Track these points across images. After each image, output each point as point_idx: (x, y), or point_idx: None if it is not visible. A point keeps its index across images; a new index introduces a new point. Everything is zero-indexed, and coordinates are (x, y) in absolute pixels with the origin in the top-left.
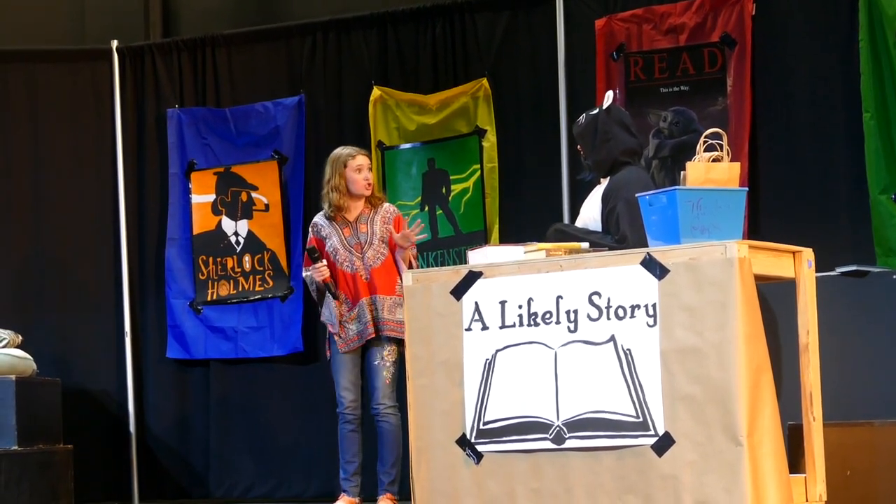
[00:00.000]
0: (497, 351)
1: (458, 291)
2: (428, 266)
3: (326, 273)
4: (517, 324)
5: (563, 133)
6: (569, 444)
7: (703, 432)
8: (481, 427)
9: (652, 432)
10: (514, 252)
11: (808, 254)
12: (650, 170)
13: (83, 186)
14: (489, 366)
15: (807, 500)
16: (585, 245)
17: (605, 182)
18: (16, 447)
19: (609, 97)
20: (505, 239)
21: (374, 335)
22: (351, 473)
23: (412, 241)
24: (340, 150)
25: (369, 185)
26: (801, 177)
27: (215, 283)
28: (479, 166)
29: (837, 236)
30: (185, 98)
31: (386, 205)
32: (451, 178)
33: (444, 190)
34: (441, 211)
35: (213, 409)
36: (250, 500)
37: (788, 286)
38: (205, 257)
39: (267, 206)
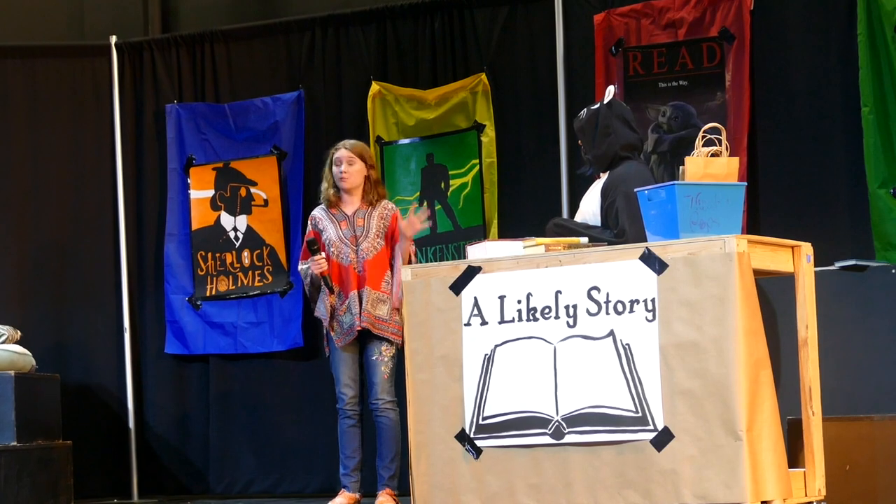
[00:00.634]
0: (496, 346)
1: (458, 286)
2: (427, 261)
3: (324, 266)
4: (516, 319)
5: (561, 128)
6: (568, 438)
7: (703, 427)
8: (481, 422)
9: (651, 427)
10: (513, 247)
11: (806, 248)
12: (649, 164)
13: (82, 182)
14: (488, 361)
15: (806, 495)
16: (584, 240)
17: (604, 177)
18: (15, 443)
19: (610, 92)
20: (504, 234)
21: (360, 327)
22: (351, 469)
23: (417, 228)
24: (334, 147)
25: (343, 177)
26: (800, 171)
27: (214, 279)
28: (477, 161)
29: (836, 231)
30: (183, 93)
31: (385, 201)
32: (450, 173)
33: (442, 185)
34: (440, 206)
35: (213, 405)
36: (250, 495)
37: (787, 281)
38: (203, 253)
39: (266, 201)
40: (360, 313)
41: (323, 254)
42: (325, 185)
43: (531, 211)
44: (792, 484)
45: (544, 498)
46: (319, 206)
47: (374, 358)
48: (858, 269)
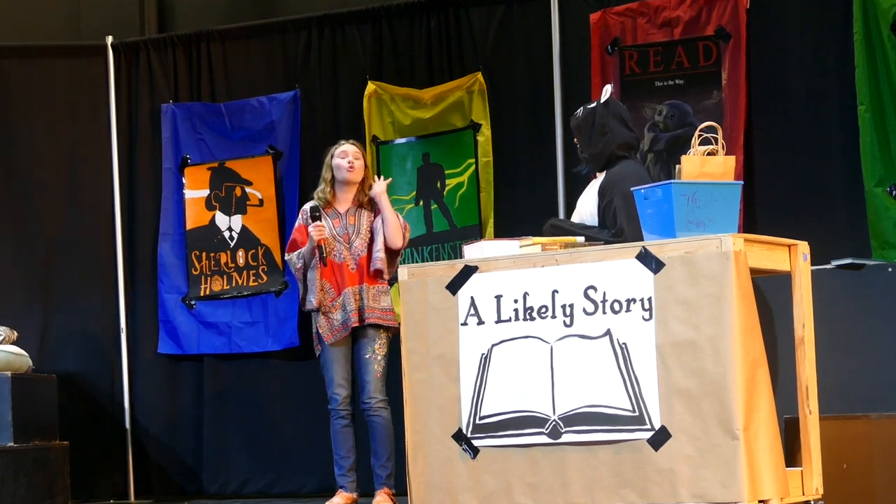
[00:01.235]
0: (493, 345)
1: (454, 286)
2: (423, 260)
3: (325, 232)
4: (513, 318)
5: (558, 127)
6: (565, 438)
7: (700, 426)
8: (477, 422)
9: (648, 426)
10: (510, 246)
11: (803, 247)
12: (646, 163)
13: (78, 183)
14: (485, 360)
15: (803, 494)
16: (581, 239)
17: (601, 176)
18: (12, 444)
19: (607, 91)
20: (500, 233)
21: (357, 324)
22: (347, 469)
23: (380, 188)
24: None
25: (350, 168)
26: (797, 170)
27: (208, 279)
28: (473, 160)
29: (833, 229)
30: (180, 93)
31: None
32: (446, 172)
33: (438, 184)
34: (436, 205)
35: (207, 405)
36: (245, 496)
37: (784, 279)
38: (198, 252)
39: (261, 200)
40: (363, 309)
41: (322, 222)
42: (322, 185)
43: (527, 210)
44: (789, 483)
45: (541, 497)
46: (310, 202)
47: (366, 356)
48: (855, 267)
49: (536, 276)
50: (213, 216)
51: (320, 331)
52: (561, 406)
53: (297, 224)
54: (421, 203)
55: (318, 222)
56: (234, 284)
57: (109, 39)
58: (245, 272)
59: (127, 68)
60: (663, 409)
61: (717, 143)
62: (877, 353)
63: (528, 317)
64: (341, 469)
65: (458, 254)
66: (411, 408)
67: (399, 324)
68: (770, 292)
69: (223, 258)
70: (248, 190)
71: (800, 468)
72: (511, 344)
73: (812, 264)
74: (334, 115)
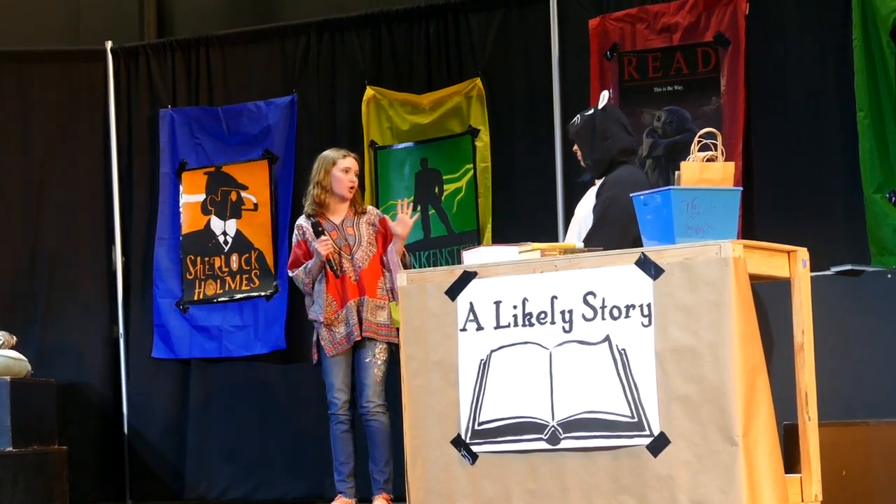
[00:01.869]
0: (492, 351)
1: (453, 292)
2: (420, 266)
3: (332, 246)
4: (512, 324)
5: (557, 132)
6: (564, 444)
7: (699, 432)
8: (476, 427)
9: (647, 432)
10: (509, 252)
11: (802, 253)
12: (644, 169)
13: (77, 187)
14: (484, 366)
15: (802, 500)
16: (580, 245)
17: (600, 182)
18: (10, 448)
19: (604, 96)
20: (498, 239)
21: (359, 337)
22: (346, 475)
23: (409, 224)
24: (331, 151)
25: (352, 188)
26: (796, 176)
27: (202, 283)
28: (471, 166)
29: (832, 236)
30: (178, 98)
31: (369, 208)
32: (444, 177)
33: (436, 189)
34: (434, 211)
35: (202, 409)
36: (238, 500)
37: (783, 286)
38: (193, 257)
39: (256, 205)
40: (361, 322)
41: (326, 236)
42: (316, 190)
43: (526, 216)
44: (788, 489)
45: (540, 503)
46: (303, 216)
47: (367, 360)
48: (854, 273)
49: (535, 281)
50: (209, 220)
51: (322, 342)
52: (560, 412)
53: (295, 240)
54: (419, 208)
55: (323, 237)
56: (227, 289)
57: (109, 44)
58: (238, 276)
59: (126, 73)
60: (662, 415)
61: (716, 150)
62: (876, 359)
63: (527, 323)
64: (340, 475)
65: (455, 259)
66: (410, 413)
67: (397, 339)
68: (769, 298)
69: (217, 262)
70: (243, 194)
71: (799, 474)
72: (510, 350)
73: (811, 271)
74: (332, 121)
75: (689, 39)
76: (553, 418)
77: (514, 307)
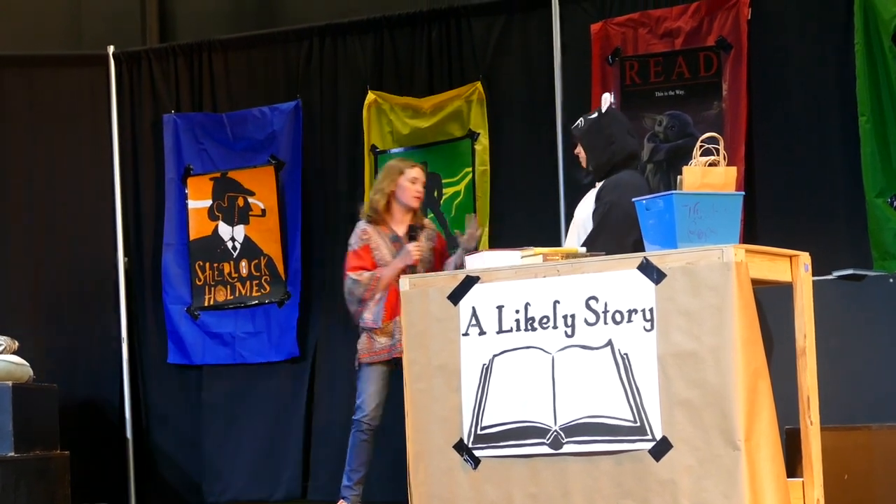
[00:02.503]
0: (494, 356)
1: (456, 296)
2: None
3: (423, 254)
4: (514, 328)
5: (559, 136)
6: (566, 448)
7: (701, 437)
8: (479, 432)
9: (649, 437)
10: (511, 257)
11: (804, 258)
12: (645, 173)
13: (80, 192)
14: (486, 371)
15: None
16: (582, 249)
17: (600, 184)
18: (13, 453)
19: (606, 100)
20: (496, 242)
21: (399, 355)
22: (355, 482)
23: (478, 237)
24: (397, 160)
25: (419, 198)
26: (798, 181)
27: (212, 289)
28: (470, 169)
29: (834, 240)
30: (181, 103)
31: (426, 221)
32: (444, 181)
33: (435, 193)
34: (432, 214)
35: (209, 415)
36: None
37: (785, 290)
38: (201, 262)
39: (264, 211)
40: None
41: (420, 242)
42: (378, 196)
43: (526, 220)
44: (790, 493)
45: None
46: (363, 221)
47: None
48: (856, 278)
49: (538, 286)
50: (216, 226)
51: (359, 346)
52: (562, 416)
53: (355, 248)
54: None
55: (415, 243)
56: (237, 295)
57: (111, 49)
58: (248, 282)
59: (129, 78)
60: (664, 419)
61: (718, 154)
62: (878, 363)
63: (529, 327)
64: (349, 480)
65: None
66: (412, 418)
67: None
68: (771, 303)
69: (226, 268)
70: (250, 200)
71: (801, 479)
72: (512, 354)
73: (813, 275)
74: (335, 125)
75: (691, 44)
76: (555, 423)
77: (517, 312)
